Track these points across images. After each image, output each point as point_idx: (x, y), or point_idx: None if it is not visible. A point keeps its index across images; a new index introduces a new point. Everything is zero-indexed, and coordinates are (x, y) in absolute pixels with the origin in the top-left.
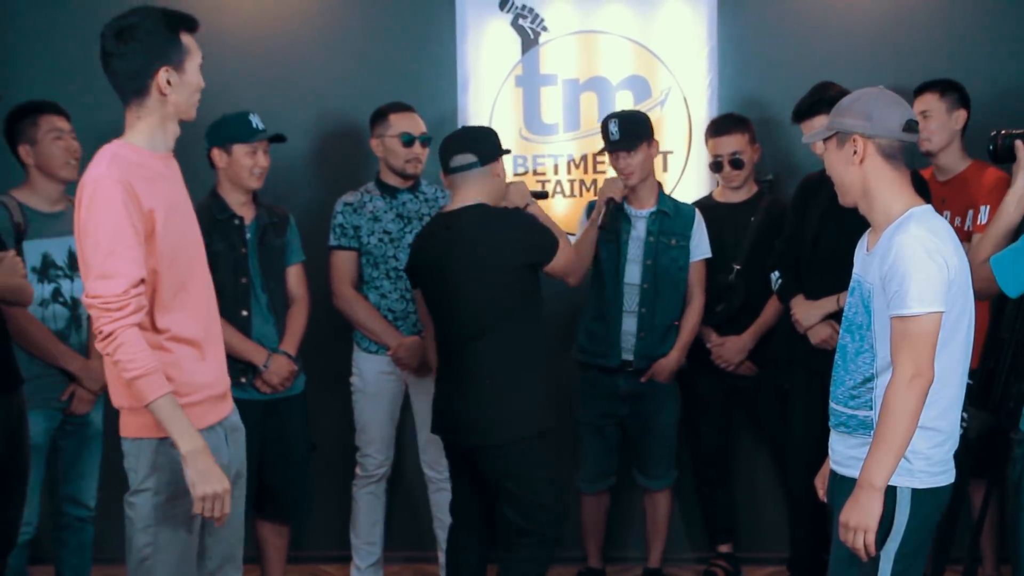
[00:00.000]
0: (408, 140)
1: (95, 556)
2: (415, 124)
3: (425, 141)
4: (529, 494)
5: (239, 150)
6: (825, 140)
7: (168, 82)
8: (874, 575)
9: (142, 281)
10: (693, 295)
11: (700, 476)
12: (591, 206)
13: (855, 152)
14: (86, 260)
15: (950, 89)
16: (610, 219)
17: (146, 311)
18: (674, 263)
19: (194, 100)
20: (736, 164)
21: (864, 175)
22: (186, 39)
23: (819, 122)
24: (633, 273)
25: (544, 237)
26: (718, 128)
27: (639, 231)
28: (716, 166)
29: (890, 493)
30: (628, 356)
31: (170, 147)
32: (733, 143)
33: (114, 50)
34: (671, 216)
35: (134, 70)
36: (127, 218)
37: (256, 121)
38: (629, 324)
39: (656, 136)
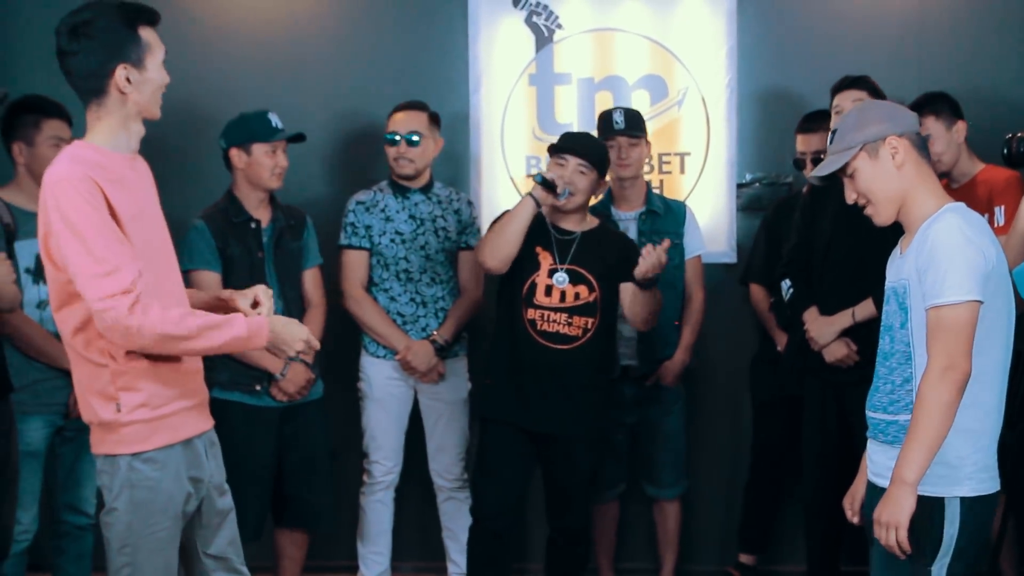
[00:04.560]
0: (391, 139)
1: (95, 564)
2: (407, 122)
3: (410, 140)
4: None
5: (259, 150)
6: (846, 165)
7: (128, 80)
8: None
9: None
10: (692, 293)
11: (755, 477)
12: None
13: (894, 156)
14: (77, 267)
15: (942, 106)
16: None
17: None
18: (669, 262)
19: (156, 98)
20: (819, 163)
21: (904, 179)
22: (146, 34)
23: (817, 139)
24: None
25: None
26: (805, 124)
27: (630, 234)
28: (798, 163)
29: (937, 506)
30: (631, 361)
31: (134, 148)
32: (817, 141)
33: (68, 48)
34: (661, 214)
35: (91, 69)
36: (105, 212)
37: (275, 120)
38: (630, 329)
39: (673, 137)
